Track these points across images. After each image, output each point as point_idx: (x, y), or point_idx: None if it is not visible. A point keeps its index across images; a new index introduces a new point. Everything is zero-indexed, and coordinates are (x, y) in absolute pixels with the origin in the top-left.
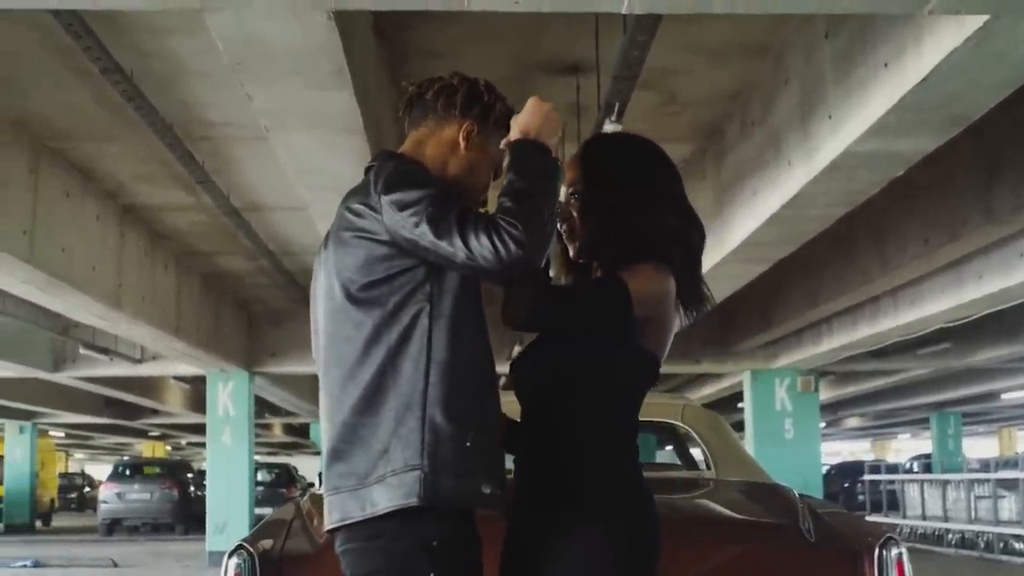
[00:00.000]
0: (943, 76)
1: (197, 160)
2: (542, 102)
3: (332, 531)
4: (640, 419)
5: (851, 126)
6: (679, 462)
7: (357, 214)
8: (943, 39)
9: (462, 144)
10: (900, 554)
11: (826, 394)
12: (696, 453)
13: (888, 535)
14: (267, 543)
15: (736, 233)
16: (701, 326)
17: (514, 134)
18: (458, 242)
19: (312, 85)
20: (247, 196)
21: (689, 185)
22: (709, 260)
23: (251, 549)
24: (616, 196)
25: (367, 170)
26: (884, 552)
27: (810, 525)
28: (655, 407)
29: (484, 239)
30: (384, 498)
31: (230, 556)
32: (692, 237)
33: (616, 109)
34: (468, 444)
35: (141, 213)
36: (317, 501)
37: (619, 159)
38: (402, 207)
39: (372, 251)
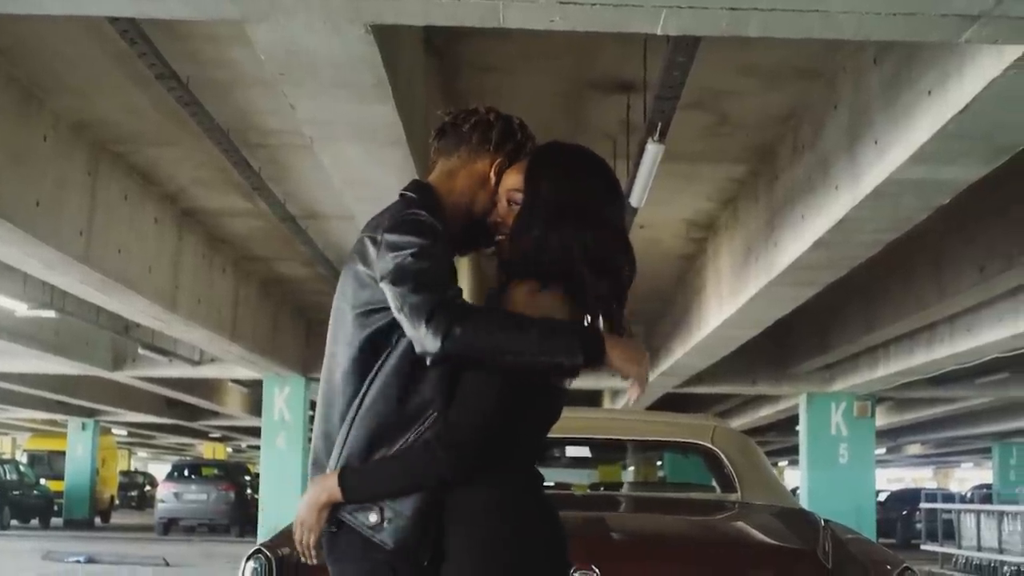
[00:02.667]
0: (985, 105)
1: (253, 167)
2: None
3: None
4: (668, 439)
5: (896, 152)
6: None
7: (363, 246)
8: (984, 68)
9: (492, 179)
10: None
11: (885, 420)
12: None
13: (906, 565)
14: (286, 549)
15: (785, 256)
16: (758, 347)
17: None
18: (404, 297)
19: (354, 98)
20: (304, 203)
21: (742, 207)
22: (759, 282)
23: (269, 554)
24: (550, 214)
25: (400, 195)
26: None
27: (829, 551)
28: (685, 427)
29: (424, 312)
30: None
31: (248, 560)
32: (623, 271)
33: (659, 129)
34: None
35: (200, 217)
36: None
37: (564, 175)
38: (392, 247)
39: (363, 283)
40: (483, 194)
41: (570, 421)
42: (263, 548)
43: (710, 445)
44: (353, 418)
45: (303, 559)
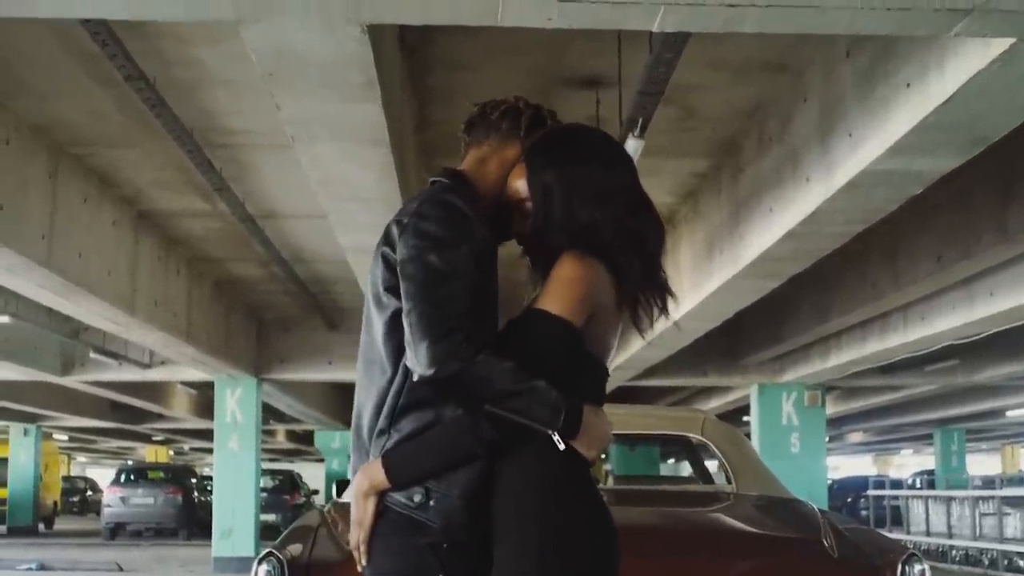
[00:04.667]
0: (967, 97)
1: (215, 167)
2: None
3: None
4: (658, 432)
5: (871, 145)
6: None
7: (390, 231)
8: (968, 61)
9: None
10: (923, 571)
11: (831, 409)
12: (711, 465)
13: (911, 551)
14: (295, 549)
15: (751, 249)
16: (709, 339)
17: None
18: (414, 302)
19: (342, 97)
20: (263, 203)
21: (705, 199)
22: (723, 275)
23: (280, 556)
24: (569, 202)
25: (432, 182)
26: (907, 568)
27: (832, 541)
28: (675, 420)
29: (429, 333)
30: None
31: (260, 563)
32: (648, 239)
33: (639, 124)
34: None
35: (156, 219)
36: (341, 508)
37: (565, 159)
38: (416, 233)
39: (390, 264)
40: None
41: None
42: (274, 550)
43: (701, 437)
44: (394, 408)
45: (360, 564)
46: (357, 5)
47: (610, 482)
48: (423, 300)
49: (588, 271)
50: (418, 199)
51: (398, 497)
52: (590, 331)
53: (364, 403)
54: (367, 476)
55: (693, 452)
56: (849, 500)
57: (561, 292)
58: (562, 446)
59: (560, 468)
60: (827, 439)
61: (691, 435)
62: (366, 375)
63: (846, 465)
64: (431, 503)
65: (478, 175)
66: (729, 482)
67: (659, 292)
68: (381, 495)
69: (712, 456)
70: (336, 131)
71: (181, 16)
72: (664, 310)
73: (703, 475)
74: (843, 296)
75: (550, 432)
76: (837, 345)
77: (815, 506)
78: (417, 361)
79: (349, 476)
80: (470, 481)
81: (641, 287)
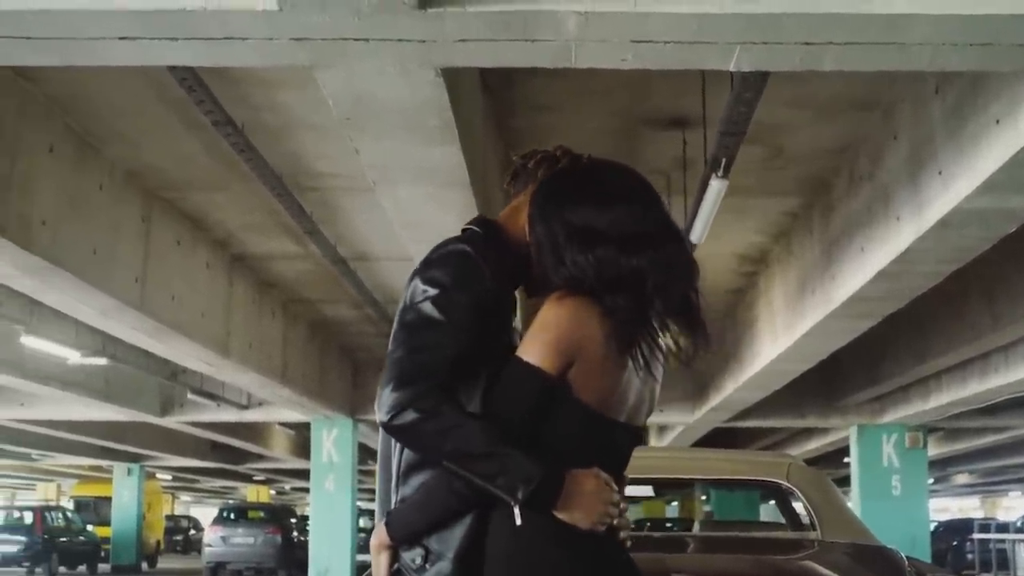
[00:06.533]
0: None
1: (305, 210)
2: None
3: None
4: (743, 478)
5: (962, 182)
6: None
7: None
8: None
9: None
10: None
11: (934, 450)
12: (799, 509)
13: None
14: None
15: (843, 289)
16: (806, 380)
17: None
18: (394, 344)
19: (419, 140)
20: (354, 246)
21: (798, 239)
22: (816, 315)
23: None
24: (542, 241)
25: (463, 230)
26: None
27: None
28: (760, 465)
29: (395, 378)
30: None
31: None
32: (646, 279)
33: (723, 164)
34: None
35: (249, 261)
36: None
37: (551, 200)
38: (423, 279)
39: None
40: None
41: (636, 460)
42: None
43: (786, 483)
44: (399, 467)
45: None
46: (429, 49)
47: (696, 528)
48: (400, 345)
49: (565, 313)
50: (434, 247)
51: (406, 559)
52: (577, 377)
53: (389, 465)
54: (377, 534)
55: (782, 497)
56: (955, 543)
57: (533, 337)
58: (519, 521)
59: (519, 536)
60: (931, 481)
61: (776, 480)
62: None
63: (953, 507)
64: (427, 566)
65: (511, 223)
66: (814, 528)
67: (652, 331)
68: (394, 552)
69: (798, 501)
70: (415, 174)
71: (256, 62)
72: (658, 349)
73: (793, 521)
74: (940, 337)
75: (511, 504)
76: (937, 386)
77: (901, 553)
78: (379, 405)
79: None
80: (464, 540)
81: (632, 327)
